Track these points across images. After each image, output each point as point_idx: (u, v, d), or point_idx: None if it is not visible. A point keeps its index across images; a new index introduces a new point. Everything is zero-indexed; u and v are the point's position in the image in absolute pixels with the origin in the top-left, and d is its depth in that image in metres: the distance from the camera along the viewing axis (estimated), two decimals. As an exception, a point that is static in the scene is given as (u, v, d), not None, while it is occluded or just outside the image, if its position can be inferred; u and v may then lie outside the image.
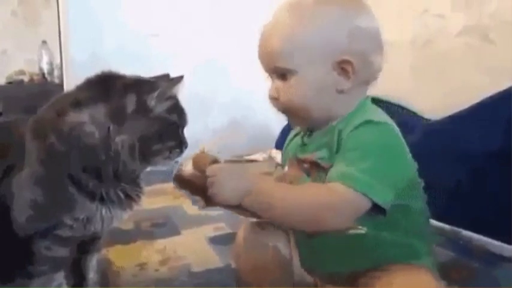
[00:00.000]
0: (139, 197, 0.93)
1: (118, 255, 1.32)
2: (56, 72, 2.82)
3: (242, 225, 0.92)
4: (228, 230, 1.46)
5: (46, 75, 2.80)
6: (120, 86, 0.84)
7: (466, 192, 1.39)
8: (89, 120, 0.82)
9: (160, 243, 1.43)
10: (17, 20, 2.89)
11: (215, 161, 0.78)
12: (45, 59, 2.79)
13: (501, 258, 1.25)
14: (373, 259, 0.76)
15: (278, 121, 0.85)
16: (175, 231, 1.52)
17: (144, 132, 0.83)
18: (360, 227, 0.75)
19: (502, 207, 1.27)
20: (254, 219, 0.89)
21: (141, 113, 0.83)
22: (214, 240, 1.44)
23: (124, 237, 1.43)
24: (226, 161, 0.83)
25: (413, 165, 0.80)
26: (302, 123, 0.86)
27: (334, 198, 0.70)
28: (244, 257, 0.89)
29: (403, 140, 0.77)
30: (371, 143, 0.73)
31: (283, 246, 0.87)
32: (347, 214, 0.72)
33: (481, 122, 1.40)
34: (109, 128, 0.82)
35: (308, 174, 0.80)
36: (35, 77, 2.83)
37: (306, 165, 0.81)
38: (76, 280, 1.01)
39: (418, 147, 1.47)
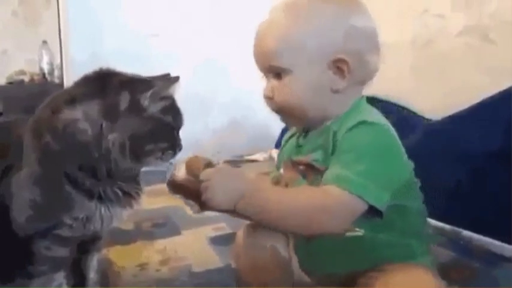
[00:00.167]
0: (138, 194, 0.93)
1: (119, 256, 1.32)
2: (56, 72, 2.82)
3: (243, 226, 0.92)
4: (229, 230, 1.46)
5: (46, 75, 2.80)
6: (116, 83, 0.84)
7: (466, 192, 1.39)
8: (83, 117, 0.82)
9: (160, 243, 1.43)
10: (18, 20, 2.89)
11: (209, 164, 0.76)
12: (45, 59, 2.79)
13: (502, 258, 1.25)
14: (371, 260, 0.76)
15: (278, 121, 0.85)
16: (175, 232, 1.52)
17: (136, 131, 0.82)
18: (357, 229, 0.75)
19: (502, 207, 1.27)
20: (254, 220, 0.88)
21: (134, 112, 0.82)
22: (215, 241, 1.44)
23: (124, 238, 1.43)
24: (226, 161, 0.83)
25: (409, 165, 0.79)
26: (297, 123, 0.86)
27: (329, 201, 0.70)
28: (243, 257, 0.89)
29: (398, 140, 0.77)
30: (366, 145, 0.72)
31: (282, 247, 0.86)
32: (343, 217, 0.71)
33: (481, 122, 1.40)
34: (102, 125, 0.81)
35: (304, 177, 0.80)
36: (36, 77, 2.83)
37: (301, 168, 0.80)
38: (76, 280, 1.01)
39: (419, 147, 1.49)
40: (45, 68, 2.79)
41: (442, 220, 1.40)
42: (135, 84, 0.84)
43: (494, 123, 1.36)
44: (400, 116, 1.65)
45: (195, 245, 1.42)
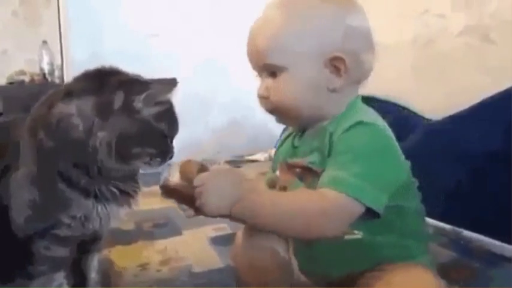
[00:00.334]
0: (136, 193, 0.92)
1: (119, 256, 1.32)
2: (56, 73, 2.82)
3: (243, 227, 0.92)
4: (229, 231, 1.46)
5: (47, 76, 2.79)
6: (114, 82, 0.83)
7: (466, 192, 1.39)
8: (76, 112, 0.81)
9: (161, 243, 1.43)
10: (18, 20, 2.89)
11: (202, 168, 0.74)
12: (45, 59, 2.78)
13: (502, 258, 1.24)
14: (371, 261, 0.75)
15: (278, 121, 0.85)
16: (176, 232, 1.53)
17: (124, 131, 0.81)
18: (356, 231, 0.74)
19: (502, 207, 1.27)
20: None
21: (126, 112, 0.82)
22: (216, 241, 1.44)
23: (125, 238, 1.43)
24: (226, 161, 0.82)
25: (406, 165, 0.79)
26: (293, 123, 0.85)
27: (326, 204, 0.68)
28: (243, 257, 0.89)
29: (394, 141, 0.76)
30: (362, 146, 0.72)
31: (282, 248, 0.86)
32: (340, 220, 0.70)
33: (482, 122, 1.40)
34: (93, 122, 0.81)
35: (301, 179, 0.79)
36: (36, 77, 2.83)
37: (298, 170, 0.80)
38: (77, 280, 1.01)
39: (419, 147, 1.49)
40: (46, 68, 2.78)
41: (442, 220, 1.40)
42: (132, 85, 0.83)
43: (495, 123, 1.36)
44: (400, 116, 1.65)
45: (195, 245, 1.42)
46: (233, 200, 0.69)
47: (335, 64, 0.75)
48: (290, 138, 0.86)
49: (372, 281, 0.72)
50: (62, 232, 0.87)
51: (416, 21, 1.75)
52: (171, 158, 0.88)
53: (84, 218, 0.87)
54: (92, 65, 0.89)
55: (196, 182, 0.70)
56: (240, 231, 0.91)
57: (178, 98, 0.89)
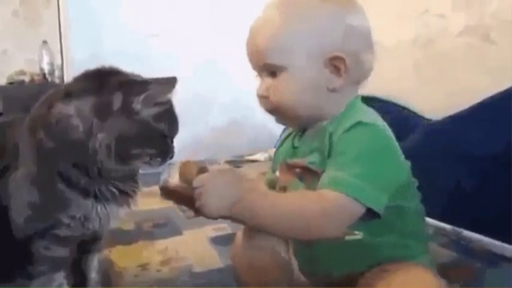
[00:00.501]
0: (135, 193, 0.92)
1: (120, 256, 1.32)
2: (56, 73, 2.82)
3: (243, 227, 0.92)
4: (230, 231, 1.46)
5: (47, 76, 2.79)
6: (113, 83, 0.83)
7: (466, 192, 1.39)
8: (75, 113, 0.81)
9: (161, 243, 1.43)
10: (18, 20, 2.89)
11: (202, 169, 0.73)
12: (45, 59, 2.78)
13: (502, 258, 1.24)
14: (370, 261, 0.75)
15: (278, 121, 0.84)
16: (176, 232, 1.52)
17: (124, 132, 0.81)
18: (356, 232, 0.74)
19: (502, 207, 1.27)
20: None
21: (125, 113, 0.81)
22: (216, 241, 1.44)
23: (126, 238, 1.43)
24: (226, 161, 0.82)
25: (406, 165, 0.79)
26: (292, 123, 0.85)
27: (326, 204, 0.68)
28: (242, 257, 0.89)
29: (394, 141, 0.76)
30: (362, 146, 0.71)
31: (282, 248, 0.86)
32: (340, 220, 0.70)
33: (482, 122, 1.40)
34: (92, 122, 0.81)
35: (301, 179, 0.79)
36: (36, 77, 2.83)
37: (298, 171, 0.80)
38: (77, 280, 1.01)
39: (419, 147, 1.49)
40: (46, 68, 2.78)
41: (443, 220, 1.40)
42: (131, 86, 0.83)
43: (495, 124, 1.36)
44: (400, 116, 1.65)
45: (196, 245, 1.42)
46: (233, 201, 0.69)
47: (335, 64, 0.75)
48: (290, 139, 0.86)
49: (372, 281, 0.72)
50: (62, 232, 0.87)
51: (416, 21, 1.75)
52: (171, 157, 0.88)
53: (84, 218, 0.87)
54: (92, 65, 0.89)
55: (195, 183, 0.70)
56: (240, 231, 0.91)
57: (178, 98, 0.89)
